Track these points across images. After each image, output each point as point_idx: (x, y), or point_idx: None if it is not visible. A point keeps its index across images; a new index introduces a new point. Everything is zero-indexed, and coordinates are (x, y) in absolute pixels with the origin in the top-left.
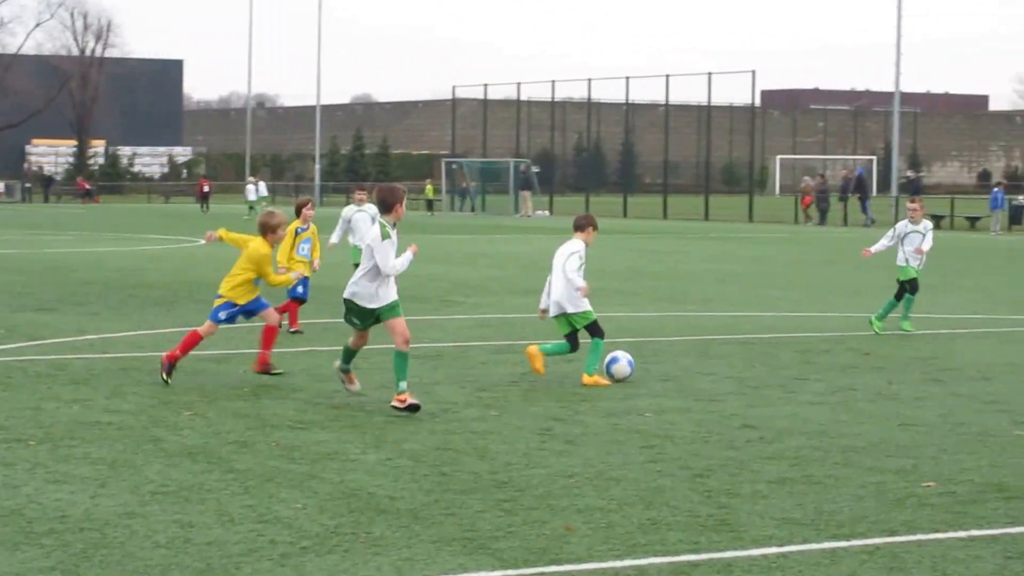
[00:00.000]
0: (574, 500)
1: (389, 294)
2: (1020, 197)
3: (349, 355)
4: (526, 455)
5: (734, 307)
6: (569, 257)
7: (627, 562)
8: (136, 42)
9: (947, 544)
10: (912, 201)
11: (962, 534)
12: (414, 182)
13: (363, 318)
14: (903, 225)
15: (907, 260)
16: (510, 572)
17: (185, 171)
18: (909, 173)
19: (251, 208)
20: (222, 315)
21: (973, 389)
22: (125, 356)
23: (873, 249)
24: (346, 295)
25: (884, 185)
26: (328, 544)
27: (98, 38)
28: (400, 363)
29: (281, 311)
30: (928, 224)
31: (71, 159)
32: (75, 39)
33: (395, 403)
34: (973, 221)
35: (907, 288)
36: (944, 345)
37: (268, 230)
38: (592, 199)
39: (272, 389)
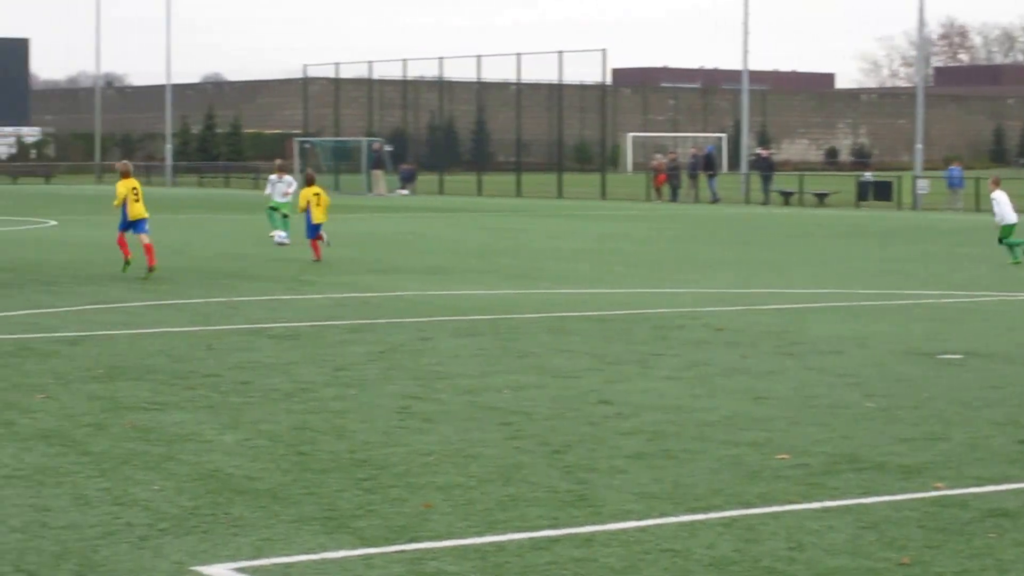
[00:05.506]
0: (433, 478)
1: None
2: (867, 174)
3: None
4: (385, 433)
5: (588, 284)
6: None
7: (487, 538)
8: None
9: (801, 515)
10: None
11: (816, 505)
12: (266, 162)
13: None
14: None
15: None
16: (371, 550)
17: (34, 151)
18: (759, 150)
19: None
20: None
21: (824, 362)
22: None
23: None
24: None
25: (735, 163)
26: (186, 525)
27: None
28: None
29: None
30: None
31: None
32: None
33: None
34: (822, 197)
35: None
36: (795, 320)
37: None
38: (446, 178)
39: (127, 371)
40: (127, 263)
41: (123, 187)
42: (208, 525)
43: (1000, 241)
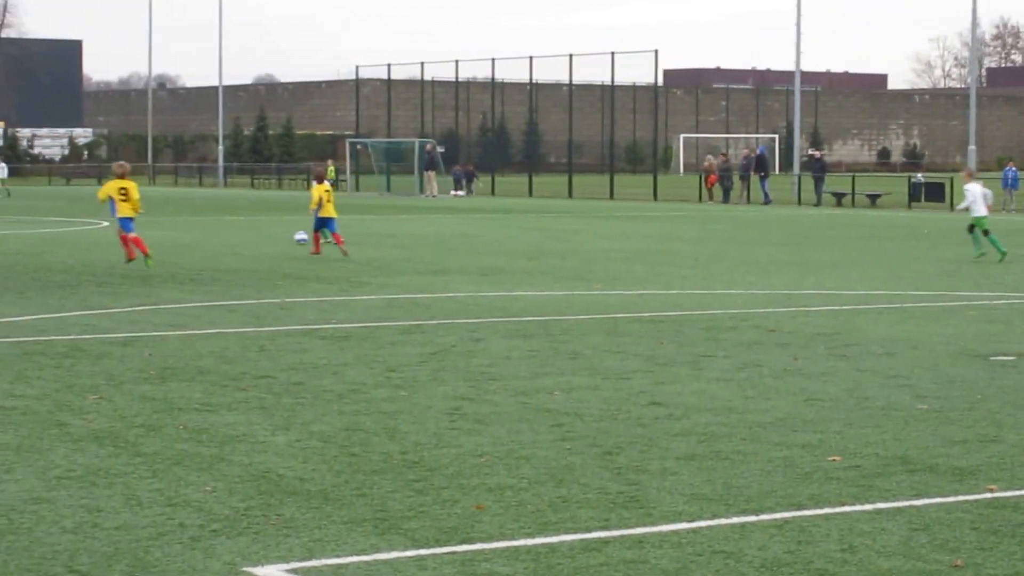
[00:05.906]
0: (485, 479)
1: None
2: (919, 175)
3: None
4: (436, 435)
5: (640, 285)
6: None
7: (538, 540)
8: (33, 22)
9: (854, 517)
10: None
11: (868, 507)
12: (318, 163)
13: None
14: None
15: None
16: (422, 551)
17: (86, 153)
18: (811, 151)
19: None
20: None
21: (876, 364)
22: (28, 340)
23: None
24: None
25: (787, 163)
26: (238, 526)
27: None
28: None
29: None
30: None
31: None
32: None
33: None
34: (874, 199)
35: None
36: (847, 321)
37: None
38: (498, 179)
39: (179, 372)
40: (147, 257)
41: (112, 187)
42: (260, 526)
43: (970, 230)
